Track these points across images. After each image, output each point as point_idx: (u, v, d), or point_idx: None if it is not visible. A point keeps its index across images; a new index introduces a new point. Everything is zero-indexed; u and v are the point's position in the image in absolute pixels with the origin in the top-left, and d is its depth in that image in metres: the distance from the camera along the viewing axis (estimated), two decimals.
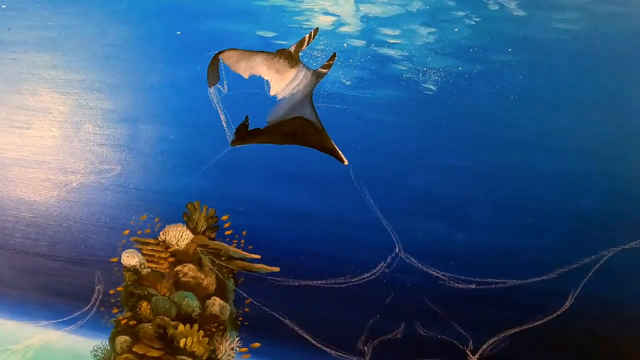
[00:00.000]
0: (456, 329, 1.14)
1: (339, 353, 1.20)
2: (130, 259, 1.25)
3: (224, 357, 1.27)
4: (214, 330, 1.27)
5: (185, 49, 1.12)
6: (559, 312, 1.09)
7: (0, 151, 1.27)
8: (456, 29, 1.03)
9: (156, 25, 1.14)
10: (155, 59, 1.15)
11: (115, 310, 1.30)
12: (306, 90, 1.10)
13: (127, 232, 1.24)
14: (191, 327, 1.26)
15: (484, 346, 1.13)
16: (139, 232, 1.24)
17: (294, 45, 1.08)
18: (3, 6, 1.20)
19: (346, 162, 1.10)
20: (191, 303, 1.26)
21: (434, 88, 1.05)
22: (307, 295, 1.17)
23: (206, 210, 1.19)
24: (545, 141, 1.03)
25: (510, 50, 1.01)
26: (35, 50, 1.20)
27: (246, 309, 1.24)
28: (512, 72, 1.02)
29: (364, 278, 1.14)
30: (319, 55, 1.08)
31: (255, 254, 1.19)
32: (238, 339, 1.27)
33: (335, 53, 1.08)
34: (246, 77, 1.11)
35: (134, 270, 1.26)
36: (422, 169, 1.08)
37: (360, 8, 1.05)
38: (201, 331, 1.26)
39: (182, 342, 1.25)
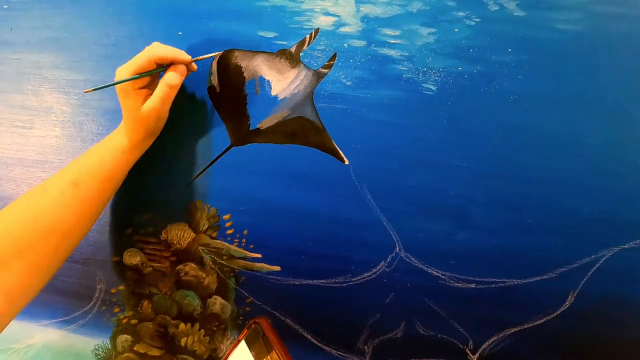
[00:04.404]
0: (456, 328, 1.14)
1: (339, 353, 1.20)
2: (132, 258, 1.26)
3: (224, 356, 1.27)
4: (215, 329, 1.27)
5: (186, 49, 1.13)
6: (559, 312, 1.09)
7: (2, 151, 1.28)
8: (456, 29, 1.03)
9: (157, 26, 1.14)
10: None
11: (116, 309, 1.31)
12: (307, 91, 1.10)
13: (129, 231, 1.25)
14: (192, 326, 1.26)
15: (484, 346, 1.13)
16: (140, 231, 1.24)
17: (295, 45, 1.09)
18: (5, 6, 1.21)
19: (347, 162, 1.11)
20: (192, 302, 1.26)
21: (434, 88, 1.05)
22: (307, 295, 1.18)
23: (207, 209, 1.20)
24: (545, 141, 1.03)
25: (510, 50, 1.02)
26: (37, 50, 1.21)
27: (247, 308, 1.24)
28: (512, 72, 1.02)
29: (364, 277, 1.15)
30: (319, 55, 1.09)
31: (256, 253, 1.20)
32: None
33: (335, 53, 1.08)
34: (247, 77, 1.11)
35: (136, 269, 1.26)
36: (422, 169, 1.08)
37: (361, 8, 1.06)
38: (202, 330, 1.26)
39: (183, 341, 1.26)
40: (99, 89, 0.94)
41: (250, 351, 0.86)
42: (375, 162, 1.10)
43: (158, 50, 0.92)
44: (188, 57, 1.01)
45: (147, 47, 0.96)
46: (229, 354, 0.90)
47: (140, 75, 0.94)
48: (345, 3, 1.06)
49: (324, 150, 1.11)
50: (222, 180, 1.17)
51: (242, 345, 0.88)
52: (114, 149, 1.01)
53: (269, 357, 0.83)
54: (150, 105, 0.93)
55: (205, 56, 1.07)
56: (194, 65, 1.05)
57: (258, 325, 0.88)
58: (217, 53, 1.10)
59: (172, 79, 0.93)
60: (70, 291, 1.32)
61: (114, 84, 0.94)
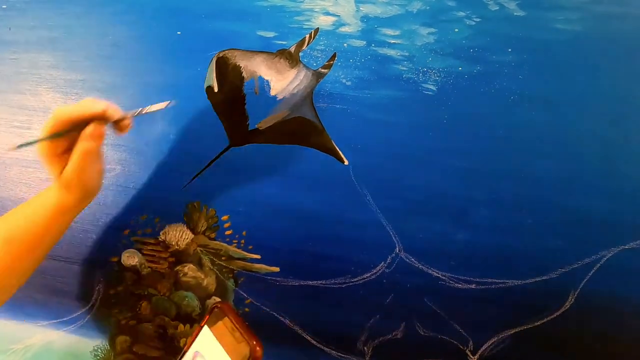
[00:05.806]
0: (456, 329, 1.13)
1: (339, 353, 1.20)
2: (130, 259, 1.25)
3: None
4: None
5: (186, 49, 1.12)
6: (559, 312, 1.09)
7: (0, 151, 1.27)
8: (456, 29, 1.03)
9: (156, 26, 1.14)
10: (155, 59, 1.15)
11: (115, 310, 1.30)
12: (306, 91, 1.10)
13: (127, 232, 1.24)
14: (191, 327, 1.26)
15: (484, 346, 1.13)
16: (139, 232, 1.24)
17: (295, 45, 1.08)
18: (4, 6, 1.20)
19: (346, 162, 1.10)
20: (191, 303, 1.26)
21: (434, 88, 1.05)
22: (307, 295, 1.17)
23: (206, 210, 1.19)
24: (545, 141, 1.03)
25: (510, 50, 1.02)
26: (36, 50, 1.21)
27: (246, 309, 1.23)
28: (512, 72, 1.02)
29: (364, 278, 1.14)
30: (319, 55, 1.09)
31: (255, 254, 1.19)
32: None
33: (335, 53, 1.08)
34: (246, 77, 1.11)
35: (134, 270, 1.26)
36: (422, 169, 1.08)
37: (361, 8, 1.06)
38: None
39: (182, 342, 1.25)
40: (24, 145, 0.77)
41: (215, 335, 0.85)
42: (375, 162, 1.09)
43: (62, 114, 0.78)
44: (114, 115, 0.82)
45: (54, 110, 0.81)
46: (192, 340, 0.90)
47: (50, 136, 0.78)
48: (345, 3, 1.06)
49: (323, 150, 1.11)
50: (220, 181, 1.17)
51: (205, 330, 0.88)
52: (52, 210, 0.92)
53: (232, 337, 0.83)
54: (68, 173, 0.82)
55: (146, 109, 0.90)
56: (127, 122, 0.87)
57: (220, 310, 0.88)
58: (161, 104, 0.91)
59: (84, 146, 0.79)
60: (69, 292, 1.31)
61: (33, 143, 0.78)
